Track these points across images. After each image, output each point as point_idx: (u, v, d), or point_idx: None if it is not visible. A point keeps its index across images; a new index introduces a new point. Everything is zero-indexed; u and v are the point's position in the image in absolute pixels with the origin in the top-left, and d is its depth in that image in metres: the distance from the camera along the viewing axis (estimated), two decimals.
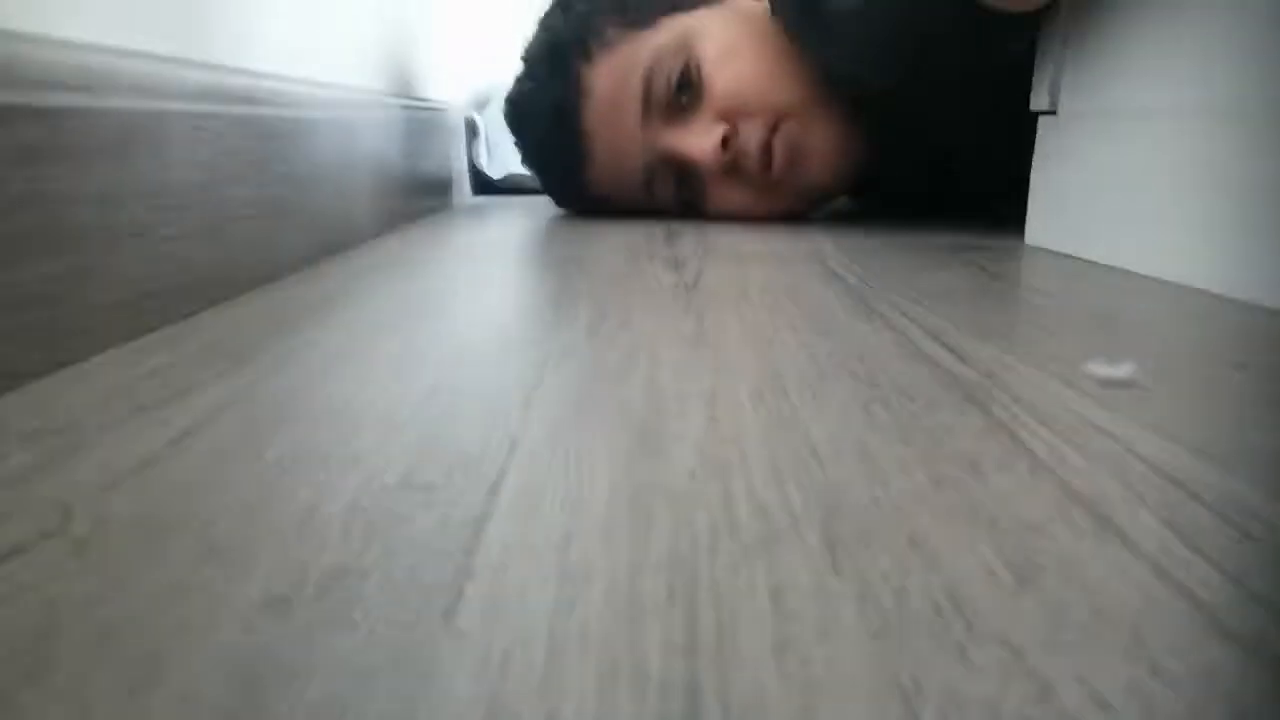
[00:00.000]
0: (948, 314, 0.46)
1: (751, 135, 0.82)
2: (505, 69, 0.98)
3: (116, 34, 0.39)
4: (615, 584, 0.19)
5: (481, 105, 1.27)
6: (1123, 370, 0.34)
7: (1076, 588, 0.19)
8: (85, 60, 0.35)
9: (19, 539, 0.21)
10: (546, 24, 0.93)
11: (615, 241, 0.78)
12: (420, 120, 0.95)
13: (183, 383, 0.32)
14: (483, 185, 1.26)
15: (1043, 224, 0.73)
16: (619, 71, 0.85)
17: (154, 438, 0.27)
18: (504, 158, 1.23)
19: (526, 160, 1.00)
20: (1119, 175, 0.62)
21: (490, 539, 0.21)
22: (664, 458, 0.26)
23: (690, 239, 0.78)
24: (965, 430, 0.28)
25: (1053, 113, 0.72)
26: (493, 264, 0.69)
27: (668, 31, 0.86)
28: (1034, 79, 0.73)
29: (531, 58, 0.92)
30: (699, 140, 0.83)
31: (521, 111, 0.94)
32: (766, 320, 0.46)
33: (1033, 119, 0.74)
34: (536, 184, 1.04)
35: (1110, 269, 0.61)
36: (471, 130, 1.23)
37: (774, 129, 0.82)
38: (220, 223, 0.46)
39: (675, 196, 0.89)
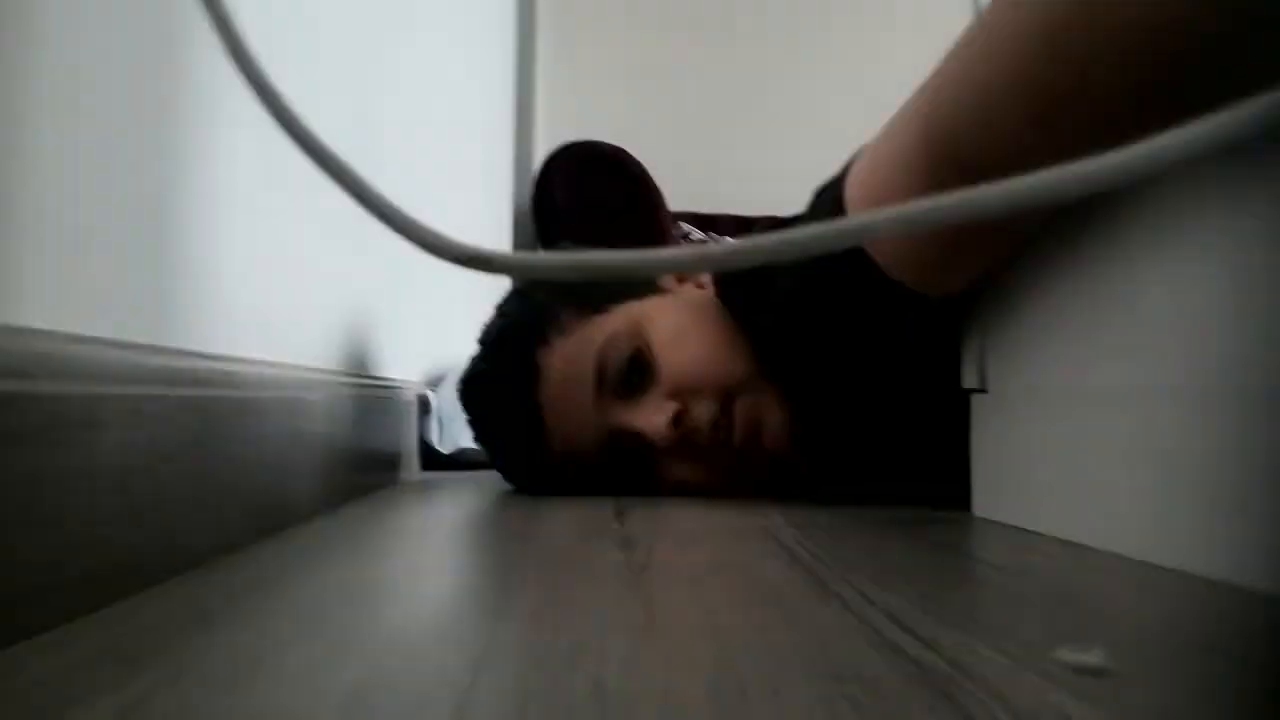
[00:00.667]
0: (906, 593, 0.45)
1: (703, 412, 0.85)
2: (460, 348, 1.01)
3: (66, 320, 0.39)
4: None
5: (435, 383, 1.29)
6: (1094, 656, 0.32)
7: None
8: (22, 346, 0.35)
9: None
10: (504, 309, 0.98)
11: (565, 518, 0.77)
12: (372, 399, 0.96)
13: (58, 698, 0.28)
14: (431, 460, 1.25)
15: (989, 497, 0.74)
16: (572, 354, 0.89)
17: None
18: (455, 434, 1.23)
19: (479, 439, 1.00)
20: (1060, 451, 0.63)
21: None
22: None
23: (641, 516, 0.76)
24: None
25: (984, 391, 0.75)
26: (434, 545, 0.66)
27: (620, 317, 0.90)
28: (964, 358, 0.77)
29: (488, 340, 0.96)
30: (650, 417, 0.85)
31: (475, 392, 0.96)
32: (721, 605, 0.44)
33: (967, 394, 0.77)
34: (486, 459, 1.03)
35: (1063, 542, 0.60)
36: (424, 407, 1.24)
37: (725, 405, 0.85)
38: (149, 506, 0.43)
39: (629, 474, 0.89)
